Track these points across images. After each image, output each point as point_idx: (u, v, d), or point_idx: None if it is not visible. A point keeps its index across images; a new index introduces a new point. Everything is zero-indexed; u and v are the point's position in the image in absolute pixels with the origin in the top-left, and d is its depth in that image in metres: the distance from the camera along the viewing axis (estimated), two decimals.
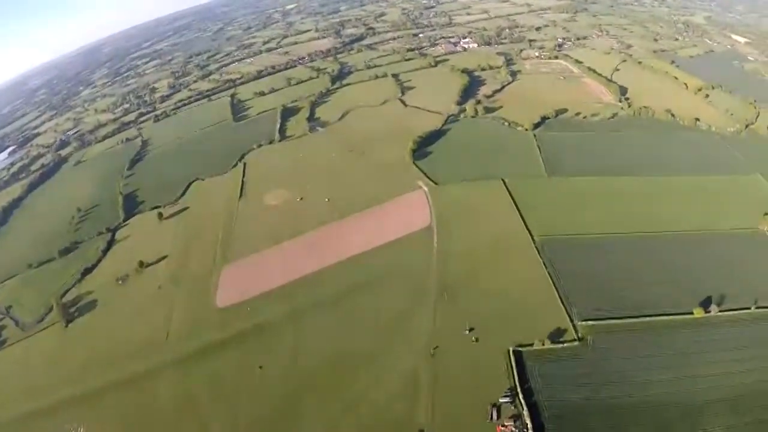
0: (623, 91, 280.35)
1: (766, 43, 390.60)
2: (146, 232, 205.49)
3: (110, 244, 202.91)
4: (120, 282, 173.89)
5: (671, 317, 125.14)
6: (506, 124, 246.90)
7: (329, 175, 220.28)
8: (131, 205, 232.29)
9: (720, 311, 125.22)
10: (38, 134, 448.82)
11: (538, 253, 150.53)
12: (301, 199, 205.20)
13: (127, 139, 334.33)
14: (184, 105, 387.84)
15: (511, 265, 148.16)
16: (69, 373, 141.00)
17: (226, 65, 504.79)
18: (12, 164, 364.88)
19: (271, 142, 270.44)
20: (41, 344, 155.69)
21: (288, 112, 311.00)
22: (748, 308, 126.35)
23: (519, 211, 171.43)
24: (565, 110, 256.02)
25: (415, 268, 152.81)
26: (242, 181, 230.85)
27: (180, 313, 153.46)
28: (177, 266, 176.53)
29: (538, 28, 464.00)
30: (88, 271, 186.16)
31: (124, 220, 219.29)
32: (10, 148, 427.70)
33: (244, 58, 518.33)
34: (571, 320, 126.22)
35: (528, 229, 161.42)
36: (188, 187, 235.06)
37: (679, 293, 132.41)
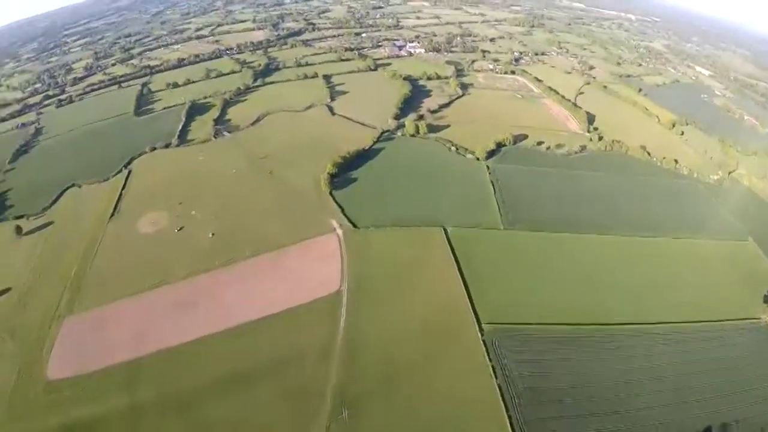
0: (591, 119, 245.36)
1: (728, 78, 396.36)
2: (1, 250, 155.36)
3: None
4: None
5: None
6: (453, 148, 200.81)
7: (222, 200, 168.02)
8: None
9: None
10: None
11: (486, 352, 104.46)
12: (181, 229, 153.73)
13: (23, 125, 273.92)
14: (93, 90, 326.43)
15: (447, 369, 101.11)
16: None
17: (150, 50, 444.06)
18: None
19: (167, 146, 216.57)
20: None
21: (196, 110, 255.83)
22: None
23: (464, 278, 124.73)
24: (525, 136, 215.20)
25: (307, 361, 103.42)
26: (120, 193, 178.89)
27: (6, 378, 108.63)
28: (17, 306, 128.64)
29: (492, 39, 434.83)
30: None
31: None
32: None
33: (171, 44, 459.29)
34: None
35: (474, 310, 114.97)
36: (62, 193, 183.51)
37: (675, 425, 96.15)
